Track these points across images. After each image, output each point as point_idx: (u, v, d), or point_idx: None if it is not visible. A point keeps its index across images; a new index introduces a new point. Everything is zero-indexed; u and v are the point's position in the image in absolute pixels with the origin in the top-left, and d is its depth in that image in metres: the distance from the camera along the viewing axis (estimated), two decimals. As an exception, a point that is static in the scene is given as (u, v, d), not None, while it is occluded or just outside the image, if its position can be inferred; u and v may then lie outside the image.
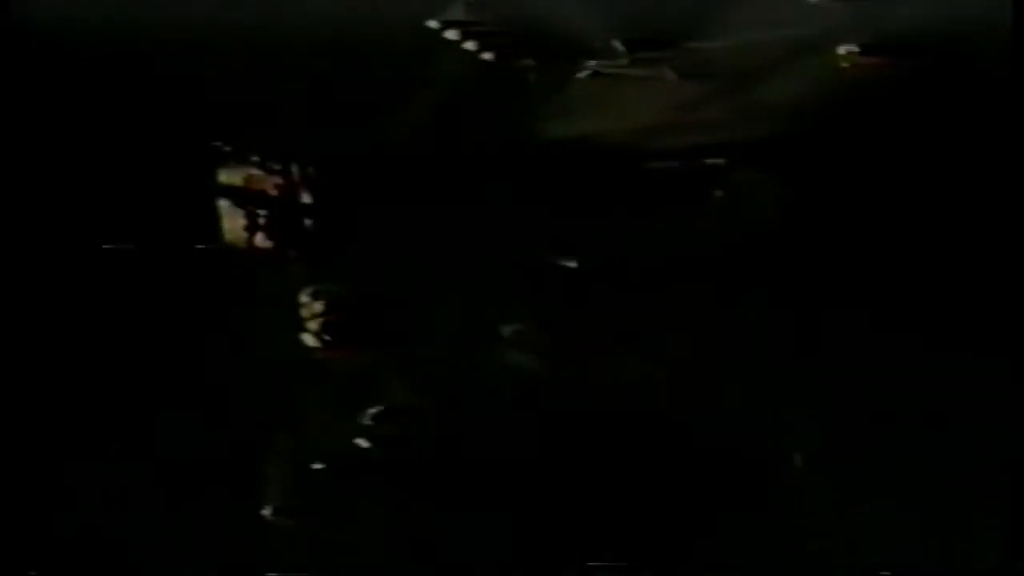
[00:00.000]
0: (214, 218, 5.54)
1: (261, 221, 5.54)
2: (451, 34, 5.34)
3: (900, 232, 5.27)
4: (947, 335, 5.24)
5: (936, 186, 5.26)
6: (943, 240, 5.25)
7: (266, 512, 5.36)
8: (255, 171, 5.53)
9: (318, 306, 5.52)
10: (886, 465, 5.25)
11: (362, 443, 5.45)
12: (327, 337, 5.53)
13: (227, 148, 5.43)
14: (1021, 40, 5.07)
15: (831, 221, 5.37)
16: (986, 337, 5.24)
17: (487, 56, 5.40)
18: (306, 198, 5.54)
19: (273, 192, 5.55)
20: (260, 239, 5.55)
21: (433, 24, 5.35)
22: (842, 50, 5.25)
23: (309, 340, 5.53)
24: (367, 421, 5.48)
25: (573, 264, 5.48)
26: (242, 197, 5.53)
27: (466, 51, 5.44)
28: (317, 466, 5.42)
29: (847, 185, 5.30)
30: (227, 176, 5.55)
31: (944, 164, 5.20)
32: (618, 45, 5.37)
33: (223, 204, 5.53)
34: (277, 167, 5.51)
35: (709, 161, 5.46)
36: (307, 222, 5.55)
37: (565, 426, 5.44)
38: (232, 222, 5.56)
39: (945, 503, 5.15)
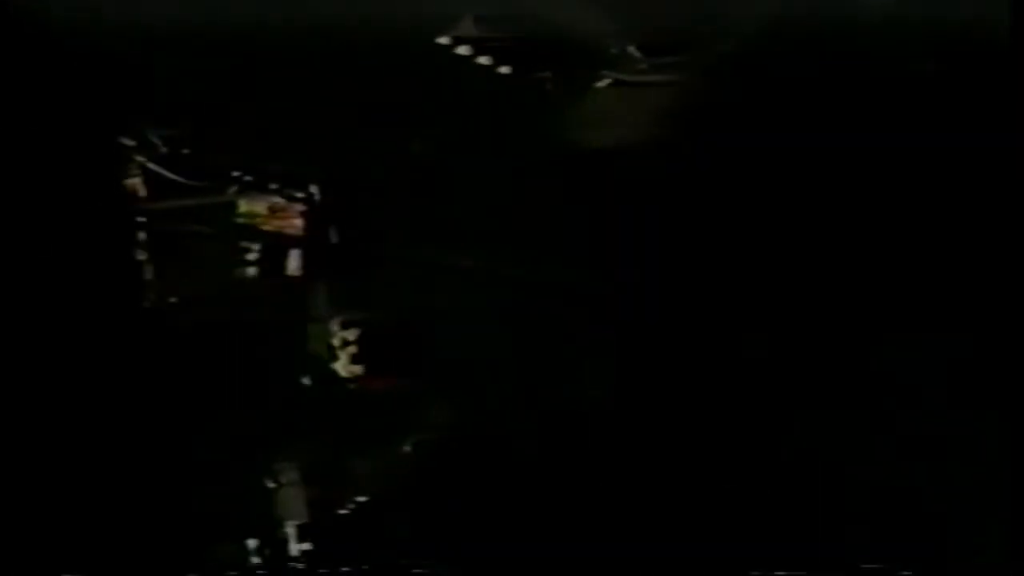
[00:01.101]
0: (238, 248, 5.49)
1: (286, 250, 5.48)
2: (463, 49, 5.24)
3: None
4: (951, 332, 5.08)
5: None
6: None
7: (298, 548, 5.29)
8: (277, 199, 5.47)
9: (350, 334, 5.44)
10: (886, 463, 5.14)
11: (399, 473, 5.36)
12: (360, 366, 5.45)
13: (247, 177, 5.38)
14: (1021, 40, 4.93)
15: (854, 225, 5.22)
16: (989, 336, 5.08)
17: (503, 69, 5.30)
18: (332, 224, 5.47)
19: (297, 220, 5.49)
20: (287, 267, 5.49)
21: (444, 40, 5.26)
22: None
23: (342, 369, 5.45)
24: (405, 450, 5.39)
25: (602, 282, 5.35)
26: (262, 230, 5.47)
27: (482, 66, 5.35)
28: (349, 505, 5.33)
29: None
30: (249, 205, 5.49)
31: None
32: (634, 51, 5.25)
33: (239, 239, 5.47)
34: (299, 194, 5.44)
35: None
36: (334, 248, 5.48)
37: (608, 452, 5.31)
38: (257, 251, 5.51)
39: (946, 503, 5.05)
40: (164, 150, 5.43)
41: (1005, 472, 4.94)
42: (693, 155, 5.31)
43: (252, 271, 5.46)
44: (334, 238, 5.44)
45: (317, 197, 5.44)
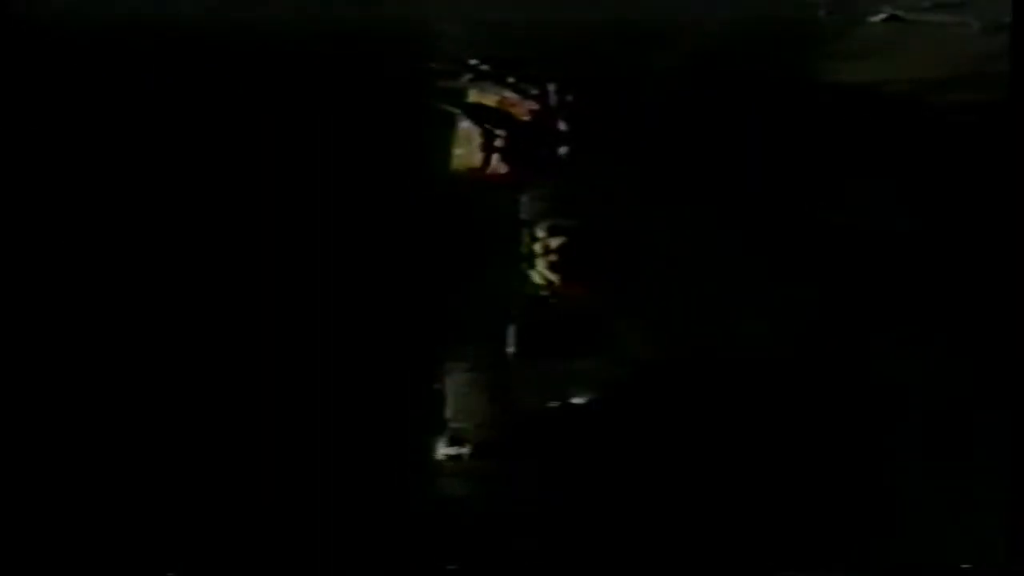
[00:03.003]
0: (453, 140, 5.16)
1: (507, 146, 5.12)
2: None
3: None
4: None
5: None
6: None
7: (460, 452, 4.72)
8: (510, 93, 5.17)
9: (554, 241, 5.00)
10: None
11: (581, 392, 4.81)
12: (559, 273, 4.98)
13: (484, 67, 5.11)
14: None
15: None
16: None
17: (775, -11, 5.09)
18: (561, 126, 5.12)
19: (526, 117, 5.15)
20: (503, 165, 5.12)
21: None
22: None
23: (539, 275, 4.98)
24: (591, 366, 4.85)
25: (835, 219, 4.91)
26: (492, 119, 5.14)
27: (749, -18, 5.15)
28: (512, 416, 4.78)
29: None
30: (479, 95, 5.19)
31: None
32: (922, -13, 5.03)
33: (469, 127, 5.15)
34: (534, 91, 5.14)
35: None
36: (558, 152, 5.11)
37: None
38: (478, 145, 5.16)
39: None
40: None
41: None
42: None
43: (475, 159, 5.12)
44: (560, 140, 5.09)
45: (552, 97, 5.12)
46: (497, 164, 5.17)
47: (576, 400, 4.89)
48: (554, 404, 4.89)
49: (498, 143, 5.17)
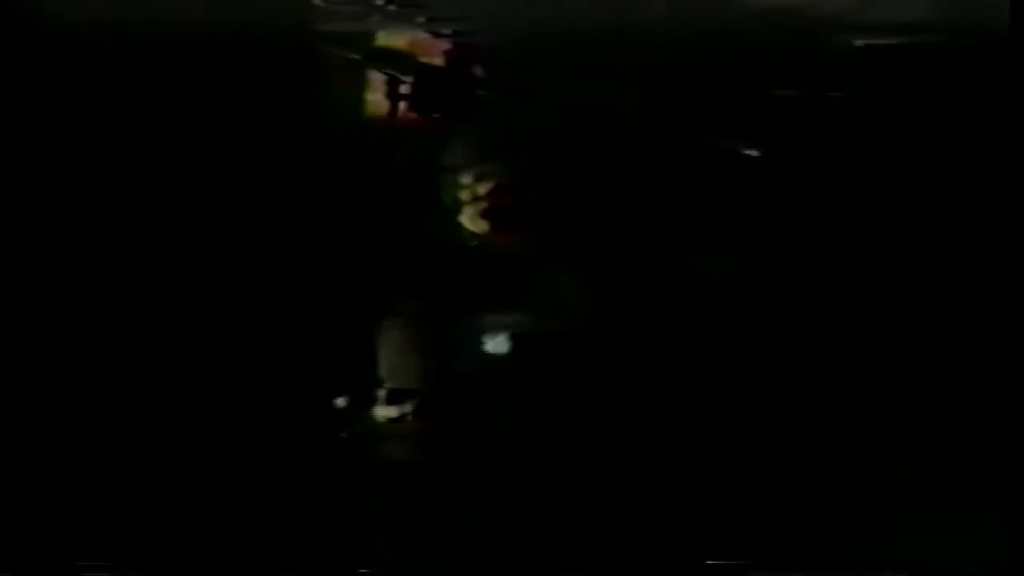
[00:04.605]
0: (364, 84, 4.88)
1: (423, 91, 4.86)
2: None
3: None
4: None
5: None
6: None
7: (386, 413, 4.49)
8: (422, 34, 4.90)
9: (482, 188, 4.76)
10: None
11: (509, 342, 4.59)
12: (489, 221, 4.75)
13: (391, 6, 4.83)
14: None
15: None
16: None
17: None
18: (478, 70, 4.87)
19: (440, 60, 4.89)
20: (420, 111, 4.86)
21: None
22: None
23: (468, 223, 4.74)
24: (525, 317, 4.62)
25: (756, 152, 4.71)
26: (404, 63, 4.88)
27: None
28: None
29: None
30: (388, 38, 4.91)
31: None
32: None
33: (376, 72, 4.87)
34: (447, 31, 4.87)
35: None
36: (477, 95, 4.85)
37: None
38: (387, 91, 4.89)
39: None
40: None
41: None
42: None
43: (389, 106, 4.84)
44: (479, 82, 4.83)
45: (465, 35, 4.87)
46: (416, 110, 4.94)
47: (511, 355, 4.72)
48: (489, 360, 4.72)
49: (414, 89, 4.93)
